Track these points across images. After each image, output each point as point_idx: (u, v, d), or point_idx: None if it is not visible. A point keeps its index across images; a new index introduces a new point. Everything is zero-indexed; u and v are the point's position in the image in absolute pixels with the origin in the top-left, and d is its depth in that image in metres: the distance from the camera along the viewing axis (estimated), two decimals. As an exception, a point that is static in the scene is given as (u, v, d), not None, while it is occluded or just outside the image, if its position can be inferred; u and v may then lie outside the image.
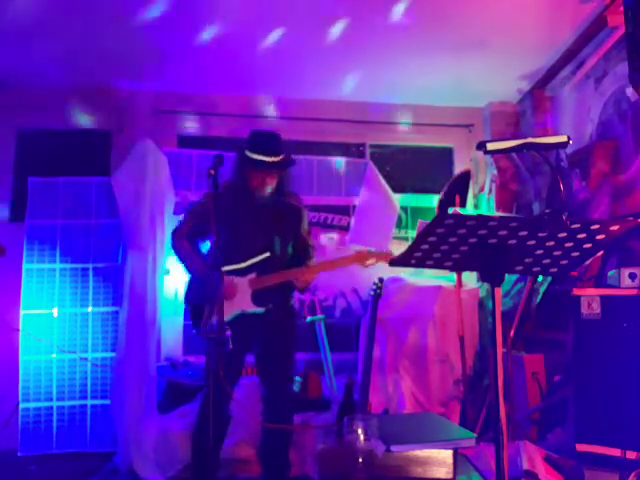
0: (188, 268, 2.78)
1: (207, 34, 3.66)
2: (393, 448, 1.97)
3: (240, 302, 2.65)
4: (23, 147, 4.50)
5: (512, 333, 3.54)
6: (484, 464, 2.73)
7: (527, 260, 1.65)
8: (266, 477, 2.79)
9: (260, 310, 2.66)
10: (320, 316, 4.19)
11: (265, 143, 2.69)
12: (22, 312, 3.88)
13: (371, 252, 2.77)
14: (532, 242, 1.55)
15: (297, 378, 3.86)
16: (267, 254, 2.67)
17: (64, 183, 4.07)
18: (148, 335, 3.63)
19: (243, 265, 2.66)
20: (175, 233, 2.83)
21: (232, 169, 2.75)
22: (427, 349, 3.91)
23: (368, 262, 2.73)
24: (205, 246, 2.90)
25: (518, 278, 3.83)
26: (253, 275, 2.66)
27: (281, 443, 2.76)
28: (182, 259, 2.79)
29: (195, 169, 4.38)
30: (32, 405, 3.79)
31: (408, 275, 4.30)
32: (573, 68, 4.00)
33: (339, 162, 4.65)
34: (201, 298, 2.68)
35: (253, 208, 2.72)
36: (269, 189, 2.71)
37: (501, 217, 1.52)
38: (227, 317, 2.61)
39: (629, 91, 3.26)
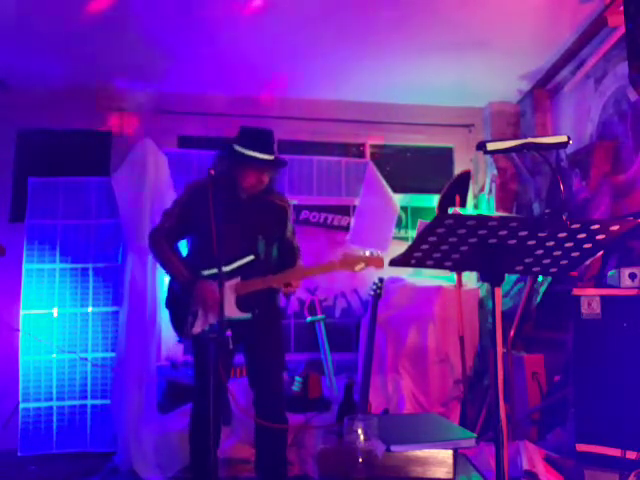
0: (168, 272, 2.67)
1: (207, 34, 3.66)
2: (393, 448, 1.97)
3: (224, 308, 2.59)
4: (23, 147, 4.50)
5: (512, 333, 3.54)
6: (484, 464, 2.73)
7: (527, 260, 1.65)
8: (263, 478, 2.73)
9: (246, 316, 2.54)
10: (320, 316, 4.19)
11: (262, 140, 2.57)
12: (22, 312, 3.88)
13: (360, 257, 2.64)
14: (532, 242, 1.55)
15: (297, 378, 3.87)
16: (251, 257, 2.56)
17: (64, 183, 4.07)
18: (148, 335, 3.63)
19: (227, 269, 2.52)
20: (153, 235, 2.68)
21: (219, 166, 2.59)
22: (427, 349, 3.91)
23: (357, 267, 2.60)
24: (184, 246, 2.77)
25: (518, 278, 3.83)
26: (237, 279, 2.55)
27: (275, 445, 2.68)
28: (161, 263, 2.66)
29: (195, 169, 4.38)
30: (32, 405, 3.80)
31: (408, 275, 4.30)
32: (573, 68, 4.00)
33: (339, 164, 4.66)
34: (182, 305, 2.59)
35: (238, 207, 2.59)
36: (261, 188, 2.62)
37: (501, 217, 1.52)
38: (206, 325, 2.53)
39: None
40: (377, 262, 2.64)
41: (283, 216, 2.75)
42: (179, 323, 2.64)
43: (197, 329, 2.58)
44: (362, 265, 2.61)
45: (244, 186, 2.60)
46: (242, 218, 2.58)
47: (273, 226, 2.70)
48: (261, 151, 2.53)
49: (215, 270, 2.52)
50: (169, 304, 2.72)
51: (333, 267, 2.62)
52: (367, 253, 2.69)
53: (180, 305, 2.63)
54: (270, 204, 2.72)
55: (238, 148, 2.55)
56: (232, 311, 2.52)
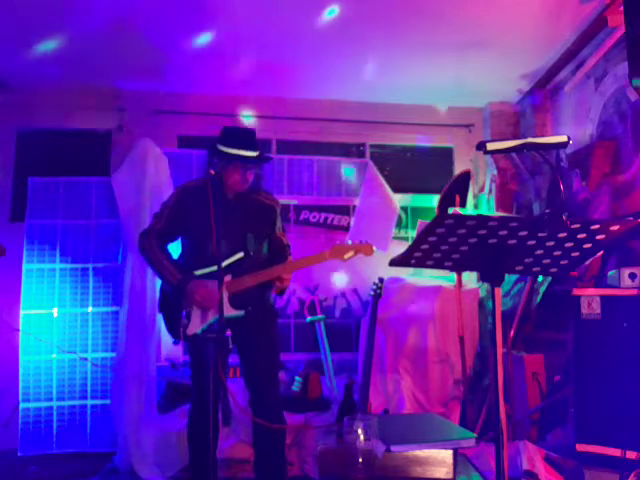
0: (159, 275, 2.66)
1: (207, 34, 3.66)
2: (393, 448, 1.97)
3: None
4: (23, 147, 4.50)
5: (512, 333, 3.54)
6: (484, 464, 2.73)
7: (527, 260, 1.65)
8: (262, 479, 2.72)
9: (239, 313, 2.56)
10: (320, 316, 4.19)
11: (244, 138, 2.60)
12: (22, 312, 3.88)
13: (349, 246, 2.68)
14: (532, 242, 1.55)
15: (297, 378, 3.87)
16: (241, 254, 2.57)
17: (64, 183, 4.07)
18: (148, 335, 3.63)
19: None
20: (144, 237, 2.67)
21: (204, 166, 2.66)
22: (427, 349, 3.91)
23: (346, 256, 2.63)
24: (175, 246, 2.77)
25: (518, 278, 3.83)
26: (228, 277, 2.54)
27: (274, 445, 2.67)
28: (152, 265, 2.65)
29: (195, 169, 4.38)
30: (32, 405, 3.80)
31: (408, 275, 4.30)
32: (573, 68, 4.00)
33: (339, 164, 4.67)
34: (176, 306, 2.59)
35: (226, 206, 2.59)
36: (247, 186, 2.64)
37: (501, 217, 1.52)
38: (203, 325, 2.55)
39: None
40: (366, 249, 2.67)
41: (271, 214, 2.77)
42: (173, 325, 2.63)
43: (193, 329, 2.57)
44: (351, 253, 2.64)
45: (230, 184, 2.63)
46: (230, 216, 2.58)
47: (261, 224, 2.71)
48: (244, 148, 2.56)
49: (208, 269, 2.57)
50: (162, 307, 2.72)
51: (323, 257, 2.64)
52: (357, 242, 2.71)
53: (173, 306, 2.63)
54: (258, 202, 2.74)
55: (221, 147, 2.59)
56: (225, 309, 2.49)
